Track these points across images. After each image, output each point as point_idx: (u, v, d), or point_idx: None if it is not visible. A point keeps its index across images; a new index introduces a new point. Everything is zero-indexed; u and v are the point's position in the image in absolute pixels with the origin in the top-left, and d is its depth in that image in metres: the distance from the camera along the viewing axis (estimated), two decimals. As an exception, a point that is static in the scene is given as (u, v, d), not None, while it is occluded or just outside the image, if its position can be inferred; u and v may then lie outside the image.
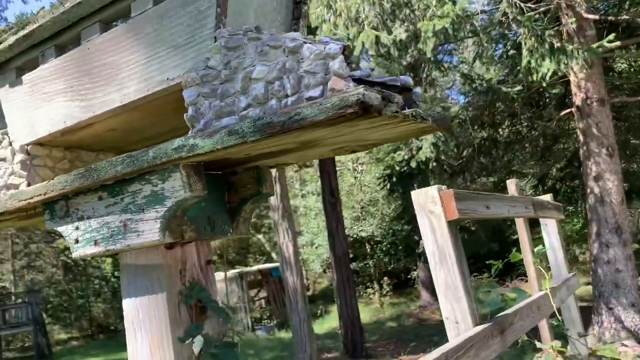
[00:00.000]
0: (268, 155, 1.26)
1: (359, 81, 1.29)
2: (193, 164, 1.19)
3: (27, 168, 1.45)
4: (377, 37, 8.03)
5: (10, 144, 1.49)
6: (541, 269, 4.06)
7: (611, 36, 7.36)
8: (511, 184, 4.26)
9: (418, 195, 2.75)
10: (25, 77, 1.46)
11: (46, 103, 1.42)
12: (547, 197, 5.06)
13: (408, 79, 1.24)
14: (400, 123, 1.09)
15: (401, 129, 1.15)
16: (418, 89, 1.25)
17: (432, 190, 2.71)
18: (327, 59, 0.99)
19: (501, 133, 13.62)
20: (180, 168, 1.16)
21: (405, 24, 8.21)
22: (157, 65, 1.22)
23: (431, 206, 2.74)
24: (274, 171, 12.59)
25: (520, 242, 4.28)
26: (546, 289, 3.76)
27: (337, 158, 21.40)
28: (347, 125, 1.01)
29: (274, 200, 12.53)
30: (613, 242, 9.48)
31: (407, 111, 1.08)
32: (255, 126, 1.02)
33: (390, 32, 8.26)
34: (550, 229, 5.03)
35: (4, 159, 1.49)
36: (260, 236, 23.53)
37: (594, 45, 7.56)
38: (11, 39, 1.43)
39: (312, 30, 9.01)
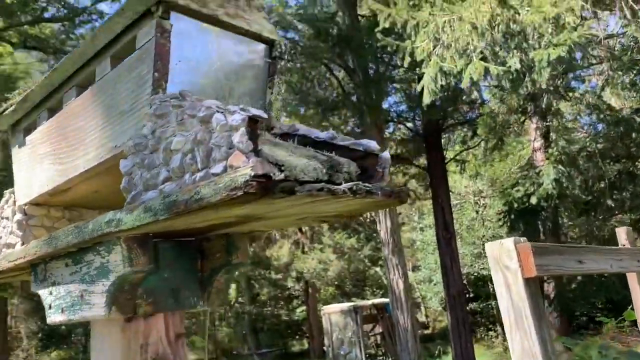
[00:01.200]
0: (225, 225, 1.16)
1: (323, 144, 1.15)
2: (137, 236, 1.11)
3: (23, 228, 1.48)
4: (486, 68, 7.63)
5: (14, 203, 1.54)
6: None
7: None
8: (621, 233, 3.72)
9: (492, 248, 2.47)
10: (28, 139, 1.51)
11: (38, 164, 1.44)
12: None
13: (372, 144, 1.08)
14: (338, 199, 0.93)
15: (351, 203, 0.99)
16: (385, 154, 1.08)
17: (508, 243, 2.42)
18: (232, 131, 0.87)
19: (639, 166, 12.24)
20: (121, 241, 1.10)
21: (518, 53, 7.72)
22: (109, 132, 1.18)
23: (506, 260, 2.45)
24: (385, 205, 12.39)
25: (633, 300, 3.70)
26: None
27: (457, 190, 20.61)
28: (263, 203, 0.88)
29: (383, 235, 12.29)
30: None
31: (340, 187, 0.91)
32: (164, 204, 0.92)
33: (504, 63, 7.82)
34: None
35: (7, 218, 1.54)
36: (377, 269, 23.23)
37: None
38: (15, 103, 1.48)
39: (417, 64, 8.82)
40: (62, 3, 13.91)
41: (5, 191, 1.59)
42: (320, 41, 12.38)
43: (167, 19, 1.08)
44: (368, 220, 22.19)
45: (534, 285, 2.34)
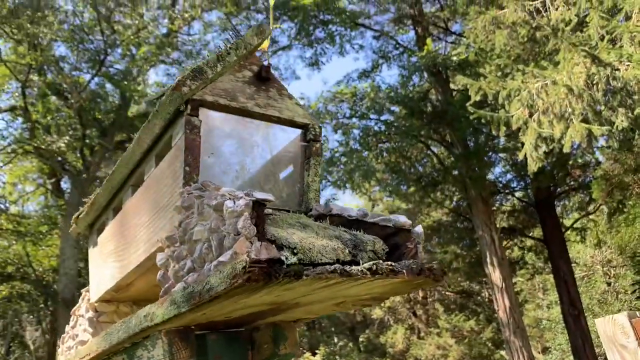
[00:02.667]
0: (263, 314, 1.13)
1: (355, 222, 1.11)
2: (179, 329, 1.11)
3: (94, 325, 1.55)
4: (588, 130, 7.21)
5: (88, 301, 1.63)
6: None
7: None
8: None
9: (604, 325, 2.23)
10: (98, 239, 1.61)
11: (104, 263, 1.52)
12: None
13: (402, 219, 1.02)
14: (358, 281, 0.87)
15: (377, 285, 0.93)
16: (418, 228, 1.01)
17: (621, 318, 2.18)
18: (238, 217, 0.87)
19: None
20: (161, 335, 1.10)
21: (623, 110, 7.25)
22: (154, 227, 1.23)
23: (622, 339, 2.19)
24: (499, 280, 11.65)
25: None
26: None
27: (582, 261, 18.98)
28: (275, 289, 0.85)
29: (502, 315, 11.48)
30: None
31: (357, 267, 0.86)
32: (184, 296, 0.92)
33: (610, 122, 7.36)
34: None
35: (82, 316, 1.62)
36: (502, 352, 21.51)
37: None
38: (85, 206, 1.60)
39: (514, 132, 8.55)
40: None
41: (83, 290, 1.69)
42: (414, 119, 12.48)
43: (196, 115, 1.13)
44: (487, 299, 20.92)
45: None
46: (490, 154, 13.41)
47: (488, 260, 11.79)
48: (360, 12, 13.22)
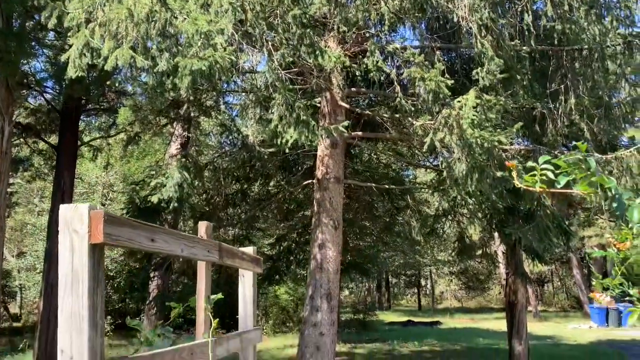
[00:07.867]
0: None
1: None
2: None
3: None
4: (133, 57, 7.66)
5: None
6: (210, 315, 3.99)
7: (346, 123, 8.19)
8: (202, 226, 4.18)
9: (66, 211, 2.41)
10: None
11: None
12: (249, 249, 5.07)
13: None
14: None
15: None
16: None
17: (83, 208, 2.39)
18: None
19: (253, 189, 14.03)
20: None
21: (168, 55, 8.00)
22: None
23: (77, 225, 2.42)
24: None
25: (197, 288, 4.18)
26: (208, 337, 3.70)
27: (87, 179, 19.72)
28: None
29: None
30: (322, 307, 10.17)
31: None
32: None
33: (153, 60, 7.95)
34: (245, 280, 5.03)
35: None
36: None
37: (332, 127, 8.28)
38: None
39: (64, 32, 8.27)
40: None
41: None
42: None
43: None
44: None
45: (99, 253, 2.41)
46: (34, 44, 12.44)
47: (-10, 149, 10.90)
48: None
